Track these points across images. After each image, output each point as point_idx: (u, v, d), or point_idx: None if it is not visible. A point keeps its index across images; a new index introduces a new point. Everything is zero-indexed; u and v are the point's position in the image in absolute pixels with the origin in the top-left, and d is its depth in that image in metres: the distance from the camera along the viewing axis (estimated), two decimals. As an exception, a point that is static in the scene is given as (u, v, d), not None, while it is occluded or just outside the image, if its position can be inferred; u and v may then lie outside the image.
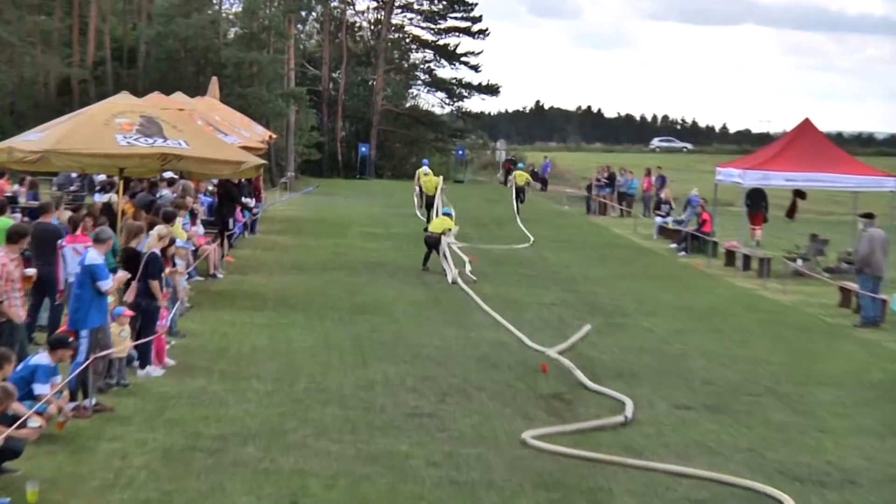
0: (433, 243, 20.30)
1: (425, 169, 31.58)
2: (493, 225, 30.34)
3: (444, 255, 20.14)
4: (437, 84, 61.27)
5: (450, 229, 20.57)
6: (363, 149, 54.48)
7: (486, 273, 20.78)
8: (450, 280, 19.31)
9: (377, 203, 36.59)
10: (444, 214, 21.34)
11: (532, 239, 27.50)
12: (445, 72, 61.23)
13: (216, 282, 17.86)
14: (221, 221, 19.72)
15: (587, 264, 23.19)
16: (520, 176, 37.44)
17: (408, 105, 62.54)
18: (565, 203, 40.57)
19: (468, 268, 20.75)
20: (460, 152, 56.94)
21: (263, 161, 17.35)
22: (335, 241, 25.01)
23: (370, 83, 60.22)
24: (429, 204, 28.56)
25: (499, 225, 30.54)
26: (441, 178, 29.37)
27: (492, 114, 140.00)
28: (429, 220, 27.15)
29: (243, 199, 21.85)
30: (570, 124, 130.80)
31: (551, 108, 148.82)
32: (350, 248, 23.75)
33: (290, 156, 45.38)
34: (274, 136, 32.72)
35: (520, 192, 36.45)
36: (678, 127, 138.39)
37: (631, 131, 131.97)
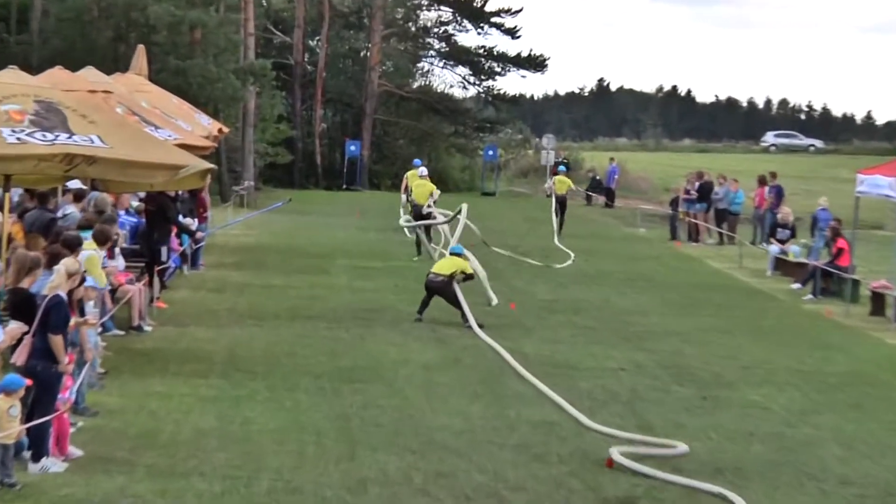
0: (438, 289, 20.35)
1: (421, 170, 32.13)
2: (538, 255, 30.36)
3: (459, 301, 20.26)
4: (457, 56, 61.59)
5: (463, 272, 20.63)
6: (352, 147, 54.78)
7: (526, 325, 20.79)
8: (473, 327, 19.68)
9: (371, 224, 36.64)
10: (454, 254, 21.28)
11: (573, 255, 29.52)
12: (469, 38, 62.07)
13: (142, 336, 17.91)
14: (150, 251, 19.79)
15: (671, 312, 23.13)
16: (560, 182, 38.74)
17: (416, 86, 62.87)
18: (640, 224, 40.55)
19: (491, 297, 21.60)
20: (490, 152, 57.14)
21: (211, 165, 17.43)
22: (312, 278, 25.06)
23: (362, 54, 60.60)
24: (417, 217, 29.20)
25: (545, 255, 30.56)
26: (437, 191, 30.43)
27: (535, 98, 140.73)
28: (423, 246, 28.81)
29: (181, 220, 21.93)
30: (646, 113, 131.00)
31: (620, 89, 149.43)
32: (333, 289, 23.78)
33: (249, 157, 45.54)
34: (225, 129, 32.89)
35: (561, 202, 37.59)
36: (802, 116, 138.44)
37: (734, 123, 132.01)
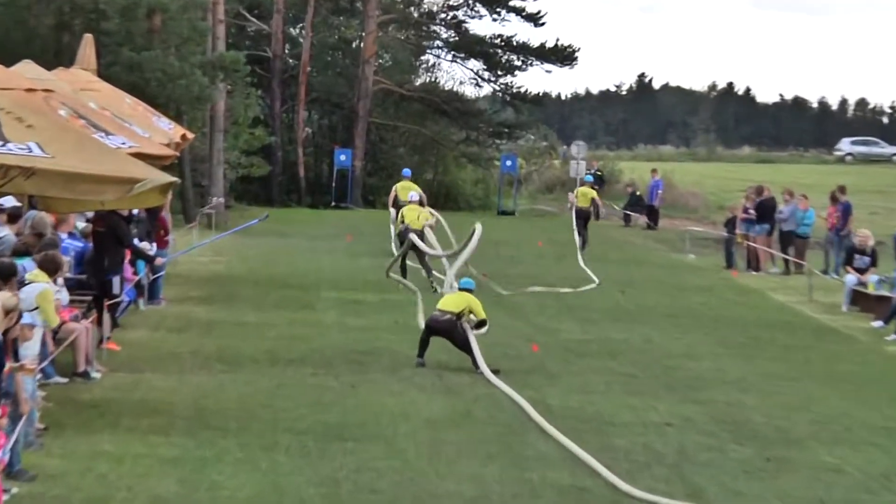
0: (444, 329, 20.29)
1: (412, 195, 32.45)
2: (567, 285, 30.36)
3: (470, 344, 20.22)
4: (468, 47, 61.74)
5: (473, 312, 20.46)
6: (342, 157, 54.85)
7: (550, 370, 20.76)
8: (486, 373, 19.68)
9: (365, 249, 36.67)
10: (463, 289, 21.19)
11: (598, 281, 30.63)
12: (483, 25, 62.52)
13: (89, 385, 17.91)
14: (100, 282, 19.80)
15: (727, 356, 23.11)
16: (583, 195, 40.33)
17: (419, 83, 62.99)
18: (689, 249, 40.55)
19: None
20: (509, 163, 57.24)
21: (173, 179, 17.47)
22: (293, 314, 25.08)
23: (354, 45, 60.73)
24: (405, 241, 29.66)
25: (574, 285, 30.56)
26: (435, 216, 30.90)
27: (564, 97, 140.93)
28: (404, 266, 29.72)
29: (137, 244, 21.98)
30: (696, 115, 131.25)
31: (665, 87, 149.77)
32: (319, 328, 23.79)
33: (218, 169, 45.67)
34: (190, 135, 32.98)
35: (583, 218, 39.17)
36: (884, 120, 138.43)
37: (803, 127, 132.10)
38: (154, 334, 22.26)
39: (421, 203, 31.81)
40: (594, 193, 41.29)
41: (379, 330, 23.69)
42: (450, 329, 20.34)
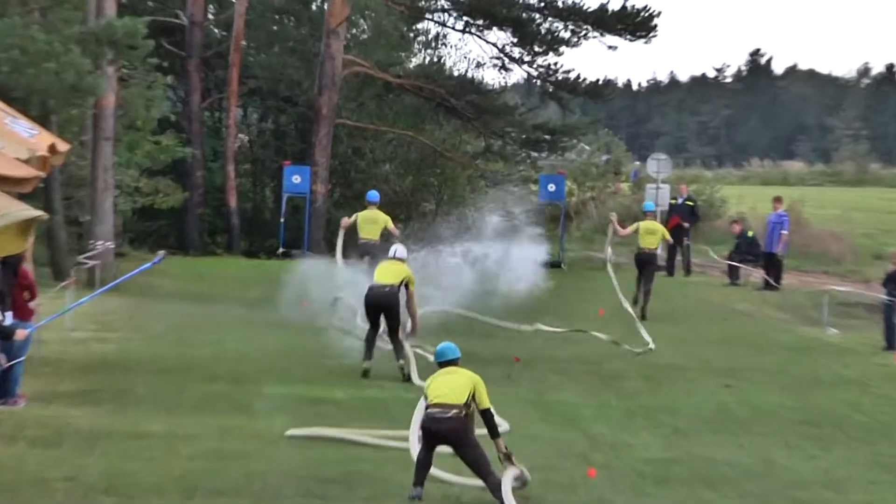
0: (451, 436, 20.19)
1: (396, 250, 32.09)
2: (641, 380, 30.54)
3: (483, 461, 20.24)
4: (490, 10, 61.87)
5: (477, 398, 20.26)
6: (295, 179, 54.91)
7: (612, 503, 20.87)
8: (505, 501, 19.64)
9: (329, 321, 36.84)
10: (450, 361, 20.99)
11: (651, 343, 32.45)
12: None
13: None
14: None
15: (888, 483, 23.14)
16: (647, 231, 41.42)
17: (413, 64, 63.22)
18: (828, 321, 40.60)
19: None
20: (551, 187, 57.35)
21: (37, 213, 17.62)
22: (221, 420, 25.17)
23: (314, 7, 60.96)
24: (372, 304, 30.31)
25: (652, 378, 30.74)
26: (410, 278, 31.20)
27: (637, 88, 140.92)
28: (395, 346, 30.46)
29: (-18, 311, 22.13)
30: (840, 114, 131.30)
31: (791, 71, 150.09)
32: (260, 441, 23.86)
33: (105, 197, 45.79)
34: (62, 145, 33.17)
35: (644, 263, 40.88)
36: None
37: None
38: (8, 450, 22.31)
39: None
40: (664, 231, 41.48)
41: (352, 445, 23.74)
42: (460, 436, 20.17)
